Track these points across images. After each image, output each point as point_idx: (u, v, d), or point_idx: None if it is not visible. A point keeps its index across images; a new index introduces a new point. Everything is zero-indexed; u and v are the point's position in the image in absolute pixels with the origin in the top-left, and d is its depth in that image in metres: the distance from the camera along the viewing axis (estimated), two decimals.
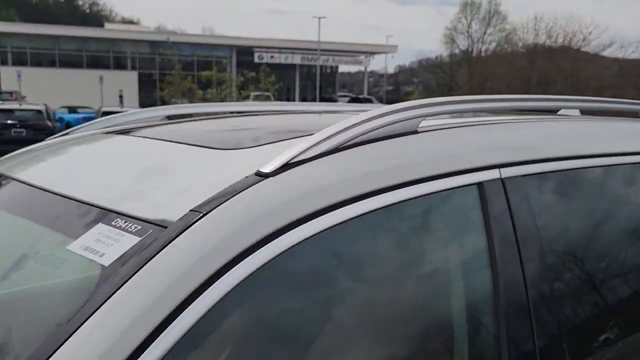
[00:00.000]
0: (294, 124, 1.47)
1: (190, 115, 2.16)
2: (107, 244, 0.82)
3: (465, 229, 1.06)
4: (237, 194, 0.84)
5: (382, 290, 0.97)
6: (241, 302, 0.78)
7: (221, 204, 0.82)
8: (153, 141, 1.33)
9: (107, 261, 0.78)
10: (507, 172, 1.12)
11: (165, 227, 0.81)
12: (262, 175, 0.88)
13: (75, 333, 0.68)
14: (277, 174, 0.89)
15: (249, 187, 0.85)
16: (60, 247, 0.87)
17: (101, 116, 16.97)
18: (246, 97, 22.10)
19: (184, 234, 0.78)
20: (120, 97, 42.51)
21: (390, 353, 0.94)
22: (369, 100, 49.65)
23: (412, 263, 1.01)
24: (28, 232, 1.03)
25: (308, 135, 1.04)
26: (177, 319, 0.72)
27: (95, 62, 46.28)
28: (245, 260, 0.77)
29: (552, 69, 54.82)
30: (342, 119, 1.01)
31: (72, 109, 28.87)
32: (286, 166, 0.90)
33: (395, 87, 64.81)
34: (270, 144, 1.09)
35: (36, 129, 16.09)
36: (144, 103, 36.64)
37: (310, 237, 0.84)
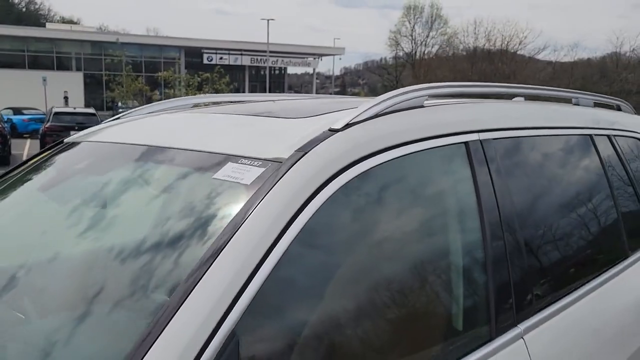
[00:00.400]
0: (316, 104, 1.93)
1: (212, 103, 2.59)
2: (241, 174, 1.27)
3: (457, 172, 1.58)
4: (323, 140, 1.31)
5: (412, 211, 1.47)
6: (337, 206, 1.25)
7: (315, 146, 1.29)
8: (228, 115, 1.78)
9: (247, 182, 1.23)
10: (483, 136, 1.66)
11: (281, 162, 1.26)
12: (333, 131, 1.35)
13: (244, 224, 1.12)
14: (343, 130, 1.36)
15: (329, 136, 1.33)
16: (208, 178, 1.30)
17: (53, 116, 16.92)
18: None
19: (295, 165, 1.24)
20: (66, 98, 41.44)
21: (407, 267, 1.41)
22: None
23: (425, 195, 1.52)
24: (178, 173, 1.45)
25: (341, 110, 1.53)
26: (298, 217, 1.17)
27: (38, 63, 44.87)
28: (335, 179, 1.25)
29: (491, 71, 57.07)
30: (334, 101, 1.49)
31: (17, 110, 28.01)
32: (347, 125, 1.38)
33: (342, 89, 65.72)
34: (319, 115, 1.56)
35: None
36: (91, 104, 35.87)
37: (369, 169, 1.32)
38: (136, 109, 2.32)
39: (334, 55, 55.41)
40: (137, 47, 42.67)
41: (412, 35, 67.96)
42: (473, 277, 1.48)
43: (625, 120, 2.53)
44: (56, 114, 17.43)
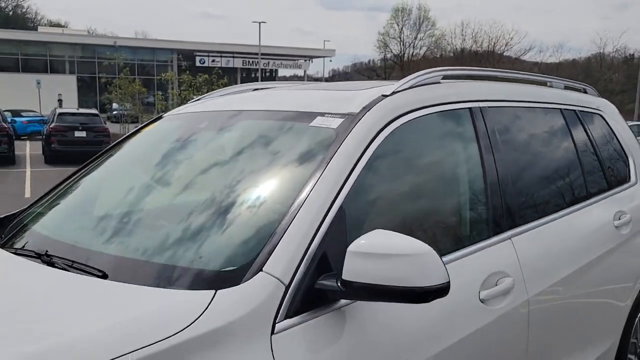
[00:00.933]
0: (354, 84, 2.58)
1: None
2: (329, 123, 1.91)
3: (464, 127, 2.25)
4: (379, 102, 1.97)
5: (435, 149, 2.15)
6: (389, 142, 1.90)
7: (375, 105, 1.95)
8: (299, 90, 2.46)
9: (334, 126, 1.89)
10: (481, 104, 2.33)
11: (354, 115, 1.92)
12: (385, 96, 2.02)
13: (338, 150, 1.77)
14: (391, 95, 2.03)
15: (382, 99, 1.99)
16: (306, 126, 1.95)
17: (57, 117, 17.45)
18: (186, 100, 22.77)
19: (364, 116, 1.90)
20: (60, 100, 41.79)
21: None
22: None
23: (443, 140, 2.20)
24: (282, 125, 2.09)
25: (381, 86, 2.21)
26: (369, 146, 1.81)
27: (31, 66, 45.21)
28: (388, 126, 1.91)
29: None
30: (363, 82, 2.16)
31: (15, 113, 28.45)
32: (393, 93, 2.04)
33: None
34: (369, 88, 2.22)
35: None
36: (84, 107, 36.31)
37: (407, 121, 1.99)
38: (209, 94, 2.98)
39: (324, 57, 56.20)
40: (130, 50, 43.12)
41: (400, 37, 68.84)
42: (477, 198, 2.16)
43: (588, 100, 3.24)
44: (60, 114, 17.97)
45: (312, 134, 1.92)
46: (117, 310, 1.39)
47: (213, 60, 47.22)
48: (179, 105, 3.84)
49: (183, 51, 46.74)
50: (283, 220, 1.54)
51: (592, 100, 3.29)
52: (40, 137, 27.05)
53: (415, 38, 68.41)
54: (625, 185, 3.12)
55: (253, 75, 53.90)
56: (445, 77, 2.35)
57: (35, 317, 1.42)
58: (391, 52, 70.99)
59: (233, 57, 48.35)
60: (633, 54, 68.17)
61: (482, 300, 1.88)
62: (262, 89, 2.96)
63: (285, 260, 1.44)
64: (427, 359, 1.66)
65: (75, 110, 19.68)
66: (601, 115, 3.26)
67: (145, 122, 2.83)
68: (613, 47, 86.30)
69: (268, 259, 1.45)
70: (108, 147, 2.72)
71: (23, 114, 28.98)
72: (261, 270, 1.43)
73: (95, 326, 1.30)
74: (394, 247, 1.40)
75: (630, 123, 20.85)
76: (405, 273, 1.37)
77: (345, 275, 1.41)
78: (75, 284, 1.58)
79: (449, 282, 1.41)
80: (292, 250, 1.47)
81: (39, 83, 39.17)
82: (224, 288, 1.39)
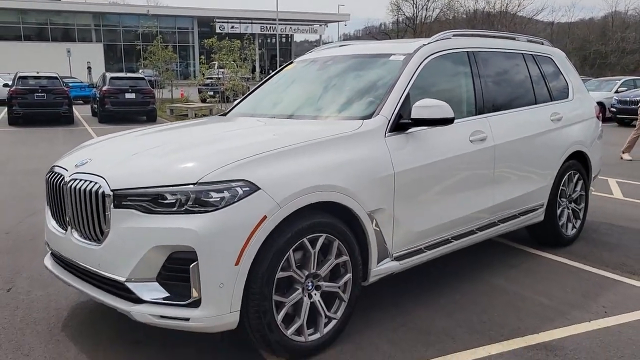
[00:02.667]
0: (401, 41, 4.62)
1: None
2: (399, 58, 3.90)
3: (464, 64, 4.27)
4: (421, 47, 3.99)
5: (449, 75, 4.21)
6: (429, 68, 3.90)
7: (419, 49, 3.96)
8: (370, 45, 4.55)
9: (401, 58, 3.89)
10: (474, 50, 4.36)
11: (412, 53, 3.91)
12: (423, 45, 4.04)
13: (404, 70, 3.81)
14: (427, 45, 4.05)
15: (423, 45, 4.01)
16: (387, 58, 3.99)
17: (109, 81, 19.53)
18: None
19: (416, 53, 3.88)
20: (89, 68, 43.97)
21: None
22: None
23: (454, 69, 4.24)
24: (372, 60, 4.17)
25: (418, 40, 4.26)
26: (419, 66, 3.84)
27: (60, 35, 47.20)
28: (427, 59, 3.96)
29: (495, 28, 59.18)
30: (402, 40, 4.24)
31: None
32: (428, 43, 4.05)
33: None
34: (412, 42, 4.24)
35: (56, 93, 18.69)
36: None
37: (434, 58, 4.02)
38: (324, 46, 5.06)
39: (338, 21, 57.48)
40: (152, 18, 44.81)
41: (413, 0, 69.57)
42: (472, 97, 4.21)
43: (543, 48, 5.26)
44: (112, 78, 20.10)
45: (392, 62, 3.99)
46: (325, 126, 3.51)
47: (232, 27, 48.88)
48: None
49: (203, 18, 48.41)
50: (386, 95, 3.64)
51: (545, 49, 5.31)
52: (81, 102, 29.37)
53: (428, 0, 69.17)
54: (564, 100, 5.18)
55: (268, 40, 55.38)
56: (455, 35, 4.40)
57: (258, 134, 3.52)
58: (404, 15, 71.87)
59: (251, 23, 49.94)
60: None
61: (470, 141, 3.98)
62: (347, 45, 5.04)
63: (387, 111, 3.54)
64: (446, 157, 3.76)
65: (124, 75, 21.80)
66: (551, 58, 5.29)
67: (286, 64, 4.95)
68: (625, 6, 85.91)
69: (381, 110, 3.55)
70: (270, 76, 4.86)
71: (64, 80, 31.03)
72: (379, 114, 3.53)
73: (311, 132, 3.41)
74: (433, 103, 3.49)
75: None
76: (438, 113, 3.46)
77: (413, 115, 3.50)
78: (287, 124, 3.72)
79: (454, 117, 3.50)
80: (389, 107, 3.56)
81: (69, 51, 41.27)
82: (366, 119, 3.50)
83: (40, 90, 18.61)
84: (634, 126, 11.31)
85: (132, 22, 47.32)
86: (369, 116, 3.51)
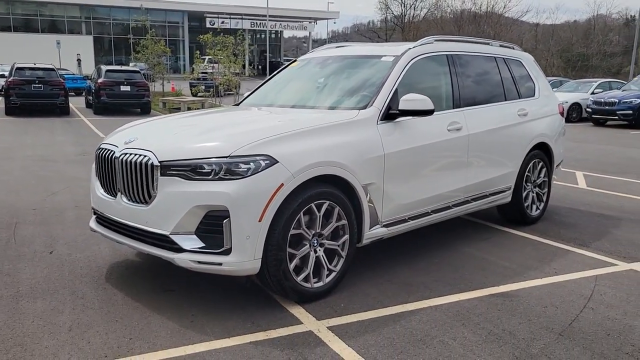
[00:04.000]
0: (388, 44, 5.35)
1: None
2: (389, 59, 4.62)
3: (443, 65, 5.00)
4: (408, 50, 4.70)
5: (432, 74, 4.96)
6: (415, 67, 4.66)
7: (407, 51, 4.68)
8: (364, 47, 5.26)
9: (391, 59, 4.58)
10: (452, 53, 5.10)
11: (400, 55, 4.62)
12: (410, 48, 4.76)
13: (394, 68, 4.55)
14: (413, 48, 4.76)
15: (410, 48, 4.72)
16: (379, 59, 4.70)
17: (105, 72, 20.03)
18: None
19: (404, 55, 4.59)
20: (79, 60, 44.20)
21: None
22: None
23: (435, 70, 4.98)
24: (365, 60, 4.89)
25: (405, 43, 4.99)
26: (407, 65, 4.56)
27: (50, 27, 47.30)
28: (414, 60, 4.68)
29: (477, 33, 60.24)
30: (392, 43, 4.99)
31: None
32: (414, 47, 4.79)
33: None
34: (400, 46, 4.97)
35: (52, 84, 19.20)
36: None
37: (420, 59, 4.75)
38: (328, 46, 5.78)
39: (327, 19, 58.20)
40: (142, 12, 45.06)
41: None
42: (451, 94, 4.95)
43: (513, 52, 6.02)
44: (107, 71, 20.61)
45: (383, 62, 4.71)
46: (326, 114, 4.23)
47: (223, 22, 49.28)
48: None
49: (194, 12, 48.82)
50: (378, 90, 4.36)
51: (515, 53, 6.08)
52: (73, 93, 29.71)
53: (416, 0, 70.14)
54: (531, 98, 5.95)
55: (257, 36, 55.86)
56: (436, 40, 5.14)
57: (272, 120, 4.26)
58: (392, 13, 72.86)
59: (242, 18, 50.44)
60: (634, 16, 70.24)
61: (448, 130, 4.72)
62: (343, 46, 5.76)
63: (379, 103, 4.26)
64: (427, 143, 4.49)
65: (119, 67, 22.33)
66: (520, 61, 6.06)
67: (290, 62, 5.65)
68: (607, 9, 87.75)
69: (373, 102, 4.27)
70: (274, 73, 5.57)
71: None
72: (372, 105, 4.25)
73: (317, 119, 4.13)
74: (416, 97, 4.21)
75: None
76: (420, 105, 4.19)
77: (400, 106, 4.23)
78: (295, 113, 4.43)
79: (433, 109, 4.24)
80: (380, 100, 4.28)
81: (58, 43, 41.46)
82: (361, 110, 4.21)
83: (37, 81, 19.11)
84: (609, 126, 12.11)
85: (122, 15, 47.63)
86: (364, 107, 4.24)
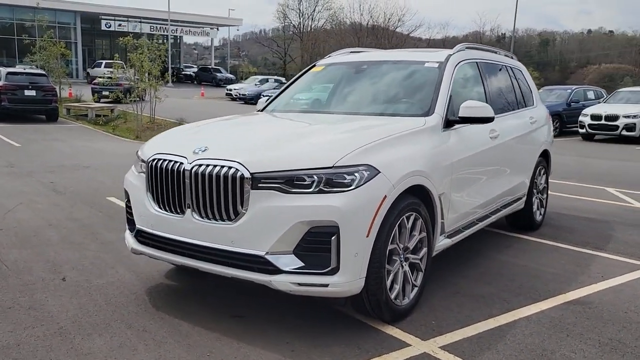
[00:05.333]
0: (421, 50, 5.24)
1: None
2: (433, 65, 4.52)
3: (477, 73, 4.98)
4: (449, 57, 4.64)
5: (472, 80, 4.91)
6: (458, 72, 4.60)
7: (449, 58, 4.60)
8: (403, 52, 5.13)
9: (436, 65, 4.47)
10: (479, 60, 5.10)
11: (442, 62, 4.50)
12: (450, 55, 4.69)
13: (444, 74, 4.42)
14: (453, 54, 4.69)
15: (450, 55, 4.65)
16: (423, 65, 4.59)
17: (6, 76, 18.21)
18: None
19: (447, 62, 4.50)
20: None
21: None
22: (217, 70, 52.27)
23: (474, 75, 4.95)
24: (407, 67, 4.72)
25: (441, 50, 4.93)
26: (454, 72, 4.49)
27: None
28: (457, 66, 4.62)
29: (376, 46, 62.39)
30: (427, 49, 4.93)
31: None
32: (452, 54, 4.71)
33: (221, 60, 65.58)
34: (439, 52, 4.87)
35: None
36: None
37: (465, 64, 4.70)
38: (341, 51, 5.54)
39: (230, 25, 57.31)
40: (30, 11, 41.57)
41: (299, 9, 71.18)
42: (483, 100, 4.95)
43: (515, 62, 6.17)
44: (9, 74, 18.74)
45: (427, 68, 4.58)
46: (392, 123, 4.00)
47: (120, 25, 46.86)
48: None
49: (87, 14, 45.89)
50: (435, 97, 4.22)
51: (516, 62, 6.22)
52: None
53: (314, 10, 71.10)
54: (533, 107, 6.12)
55: (157, 41, 53.74)
56: (467, 47, 5.08)
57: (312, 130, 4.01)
58: (291, 22, 73.40)
59: (140, 22, 48.16)
60: (504, 33, 77.16)
61: (490, 137, 4.69)
62: (358, 52, 5.57)
63: (440, 110, 4.12)
64: (479, 151, 4.42)
65: (23, 70, 20.38)
66: (520, 70, 6.21)
67: (310, 66, 5.35)
68: (490, 26, 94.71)
69: (435, 109, 4.13)
70: (295, 78, 5.24)
71: None
72: (434, 112, 4.11)
73: (389, 127, 3.92)
74: (477, 104, 4.14)
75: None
76: (482, 112, 4.11)
77: (461, 113, 4.12)
78: (364, 119, 4.18)
79: (494, 116, 4.18)
80: (440, 107, 4.15)
81: None
82: (426, 117, 4.05)
83: (30, 87, 18.22)
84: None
85: (6, 14, 43.70)
86: (426, 114, 4.09)
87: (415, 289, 3.67)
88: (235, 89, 36.85)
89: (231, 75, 51.78)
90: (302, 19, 71.78)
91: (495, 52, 5.92)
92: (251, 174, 3.11)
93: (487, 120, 4.15)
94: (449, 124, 4.12)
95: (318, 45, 66.52)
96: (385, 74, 4.81)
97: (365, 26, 64.47)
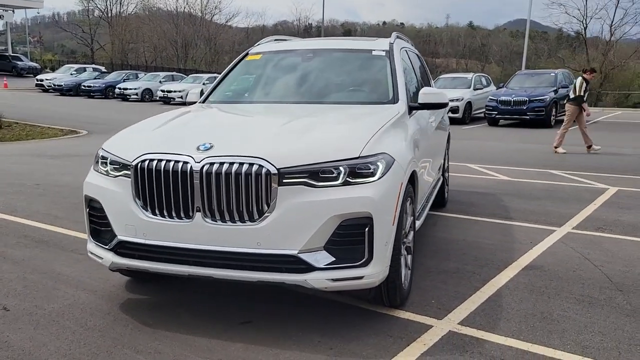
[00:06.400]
0: (363, 39, 5.29)
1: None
2: (379, 53, 4.62)
3: (407, 60, 5.20)
4: (390, 43, 4.77)
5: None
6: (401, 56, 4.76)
7: (392, 44, 4.74)
8: (338, 40, 5.10)
9: (383, 53, 4.61)
10: (405, 48, 5.33)
11: (388, 49, 4.65)
12: (391, 43, 4.83)
13: (394, 60, 4.55)
14: (394, 41, 4.84)
15: (390, 43, 4.80)
16: (370, 53, 4.62)
17: None
18: None
19: (391, 49, 4.68)
20: None
21: None
22: (17, 59, 46.53)
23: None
24: (351, 55, 4.69)
25: (382, 38, 5.06)
26: (396, 55, 4.64)
27: None
28: (399, 50, 4.78)
29: (194, 34, 60.88)
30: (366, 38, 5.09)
31: None
32: (392, 42, 4.86)
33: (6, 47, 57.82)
34: (381, 40, 4.98)
35: None
36: None
37: (404, 50, 4.86)
38: (268, 39, 5.34)
39: (29, 7, 51.30)
40: None
41: None
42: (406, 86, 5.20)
43: (407, 44, 6.53)
44: None
45: (376, 56, 4.66)
46: (369, 111, 4.00)
47: None
48: None
49: None
50: (396, 84, 4.33)
51: (416, 50, 6.61)
52: None
53: None
54: None
55: None
56: (397, 37, 5.25)
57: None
58: (96, 6, 68.32)
59: None
60: (311, 23, 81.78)
61: (430, 121, 4.95)
62: (283, 40, 5.45)
63: (403, 97, 4.23)
64: (430, 133, 4.66)
65: None
66: (420, 57, 6.61)
67: (243, 54, 5.07)
68: (300, 16, 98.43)
69: (399, 97, 4.22)
70: (231, 67, 4.94)
71: None
72: (400, 100, 4.20)
73: (373, 116, 3.93)
74: (435, 90, 4.32)
75: None
76: (440, 99, 4.31)
77: (420, 100, 4.29)
78: (339, 109, 4.12)
79: (449, 102, 4.43)
80: (402, 93, 4.26)
81: None
82: (394, 104, 4.13)
83: None
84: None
85: None
86: (392, 101, 4.18)
87: (409, 272, 3.77)
88: (47, 79, 33.32)
89: (35, 64, 46.58)
90: (108, 3, 67.28)
91: (408, 41, 6.23)
92: (277, 169, 2.92)
93: (444, 105, 4.38)
94: (409, 110, 4.27)
95: (130, 31, 62.84)
96: (337, 63, 4.79)
97: (182, 14, 62.50)
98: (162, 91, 28.41)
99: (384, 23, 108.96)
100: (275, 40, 5.46)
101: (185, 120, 3.86)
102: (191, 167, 2.99)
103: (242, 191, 2.93)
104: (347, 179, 2.99)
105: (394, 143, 3.38)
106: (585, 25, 45.16)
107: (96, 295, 3.73)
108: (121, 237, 3.20)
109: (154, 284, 3.95)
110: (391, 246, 3.15)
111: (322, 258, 2.97)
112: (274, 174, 2.91)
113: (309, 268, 2.95)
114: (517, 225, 5.71)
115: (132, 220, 3.15)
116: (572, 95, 11.84)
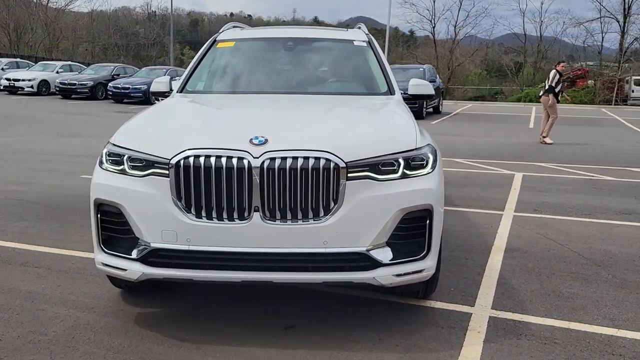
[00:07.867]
0: (331, 30, 5.12)
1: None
2: (360, 43, 4.52)
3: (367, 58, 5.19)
4: (364, 35, 4.71)
5: None
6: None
7: (368, 37, 4.69)
8: (311, 29, 4.89)
9: (365, 44, 4.53)
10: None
11: (368, 40, 4.59)
12: (367, 34, 4.77)
13: (375, 50, 4.51)
14: (366, 36, 4.79)
15: (364, 35, 4.74)
16: (351, 43, 4.51)
17: None
18: None
19: (369, 41, 4.63)
20: None
21: None
22: None
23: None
24: (332, 45, 4.50)
25: (355, 28, 5.00)
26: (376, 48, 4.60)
27: None
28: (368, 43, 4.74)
29: (29, 17, 55.27)
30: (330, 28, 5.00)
31: None
32: (367, 34, 4.82)
33: None
34: (354, 30, 4.88)
35: None
36: None
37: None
38: (226, 26, 4.98)
39: None
40: None
41: None
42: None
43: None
44: None
45: (358, 47, 4.59)
46: (376, 102, 3.93)
47: None
48: None
49: None
50: (388, 76, 4.29)
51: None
52: None
53: None
54: None
55: None
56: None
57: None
58: None
59: None
60: (155, 11, 79.60)
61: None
62: (241, 27, 5.15)
63: (397, 89, 4.19)
64: None
65: None
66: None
67: (212, 42, 4.66)
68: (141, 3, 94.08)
69: (394, 88, 4.18)
70: (201, 56, 4.52)
71: None
72: (395, 92, 4.17)
73: (399, 109, 3.86)
74: (423, 82, 4.37)
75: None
76: (428, 90, 4.37)
77: (410, 92, 4.31)
78: (347, 100, 3.98)
79: (434, 93, 4.50)
80: (396, 85, 4.24)
81: None
82: (393, 95, 4.10)
83: None
84: None
85: None
86: (388, 92, 4.16)
87: None
88: None
89: None
90: None
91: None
92: (346, 163, 2.75)
93: (430, 97, 4.45)
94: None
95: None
96: (321, 52, 4.64)
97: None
98: (8, 80, 25.26)
99: (232, 14, 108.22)
100: (234, 27, 5.13)
101: (204, 111, 3.49)
102: (249, 163, 2.70)
103: (308, 188, 2.72)
104: (405, 171, 2.91)
105: (426, 133, 3.37)
106: (434, 25, 48.65)
107: (97, 313, 3.24)
108: (155, 244, 2.80)
109: (151, 294, 3.53)
110: (439, 237, 3.14)
111: (387, 254, 2.87)
112: (343, 168, 2.74)
113: (375, 265, 2.83)
114: (467, 211, 6.00)
115: (172, 225, 2.78)
116: (547, 87, 12.73)
